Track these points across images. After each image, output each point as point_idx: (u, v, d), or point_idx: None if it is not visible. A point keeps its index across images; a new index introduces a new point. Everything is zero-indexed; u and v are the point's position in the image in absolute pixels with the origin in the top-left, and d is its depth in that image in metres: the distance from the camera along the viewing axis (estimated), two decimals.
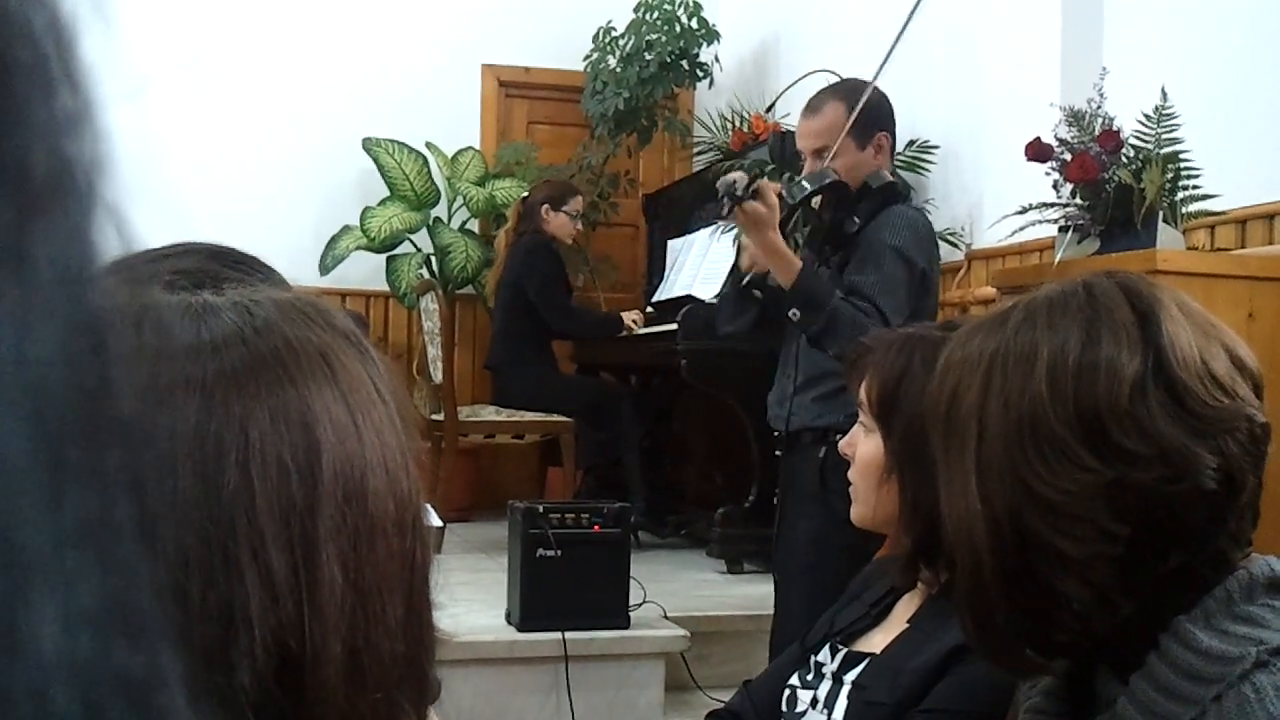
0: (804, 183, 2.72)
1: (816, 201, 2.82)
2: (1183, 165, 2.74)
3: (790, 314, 2.62)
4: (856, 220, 2.75)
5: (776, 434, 2.94)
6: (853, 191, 2.77)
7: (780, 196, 2.63)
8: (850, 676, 1.55)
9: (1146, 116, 2.78)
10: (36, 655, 0.23)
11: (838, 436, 2.66)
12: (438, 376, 4.95)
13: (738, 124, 5.24)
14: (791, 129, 3.72)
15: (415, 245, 5.87)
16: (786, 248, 2.63)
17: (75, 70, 0.25)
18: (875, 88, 2.84)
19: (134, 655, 0.25)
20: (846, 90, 2.87)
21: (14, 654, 0.23)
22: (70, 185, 0.24)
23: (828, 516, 2.61)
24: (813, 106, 2.89)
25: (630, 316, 4.98)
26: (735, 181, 2.61)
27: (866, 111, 2.78)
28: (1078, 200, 2.80)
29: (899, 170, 4.55)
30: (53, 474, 0.24)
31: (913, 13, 2.79)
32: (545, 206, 4.98)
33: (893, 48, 2.77)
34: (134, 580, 0.25)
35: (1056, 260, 2.85)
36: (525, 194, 5.24)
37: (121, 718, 0.24)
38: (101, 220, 0.25)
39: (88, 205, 0.25)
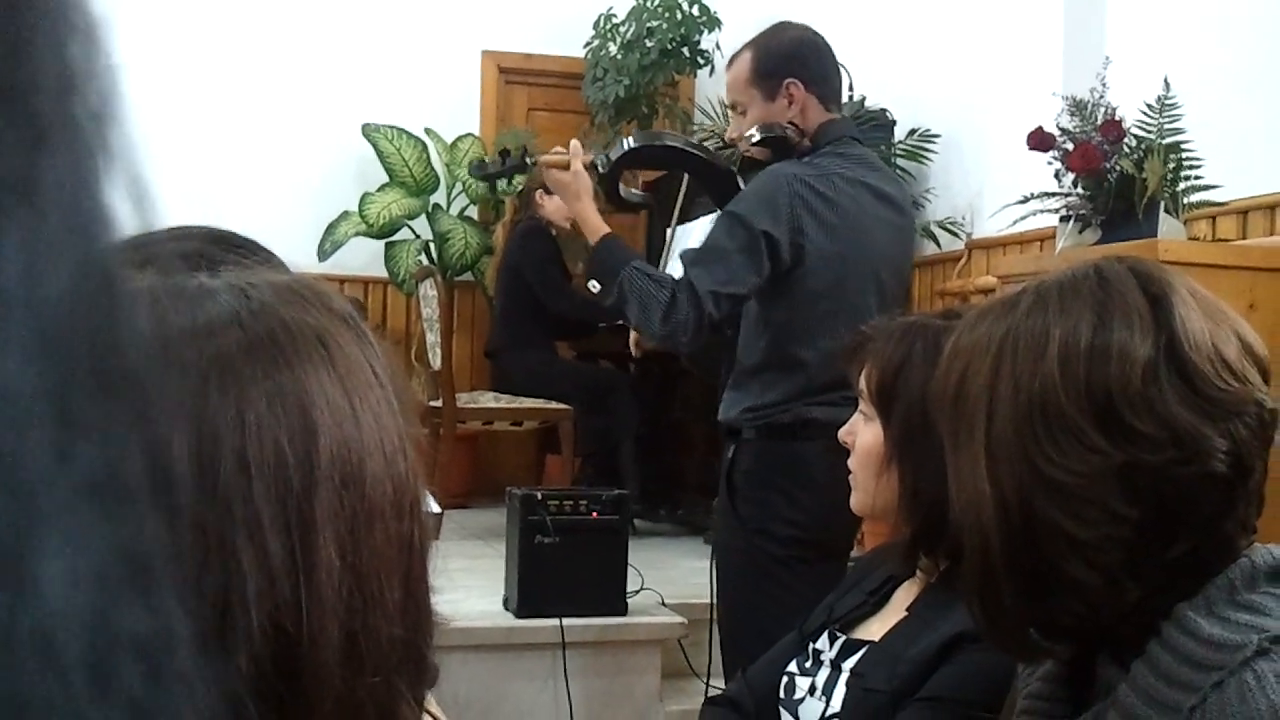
0: (625, 143, 2.53)
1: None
2: (1185, 155, 2.73)
3: (590, 285, 2.45)
4: (739, 181, 2.49)
5: None
6: (712, 156, 2.52)
7: (592, 166, 2.45)
8: (848, 664, 1.55)
9: (1149, 106, 2.77)
10: (42, 599, 0.23)
11: (747, 434, 2.42)
12: (436, 363, 4.94)
13: None
14: None
15: (414, 231, 5.86)
16: (596, 218, 2.43)
17: (88, 19, 0.25)
18: (792, 30, 2.57)
19: (143, 614, 0.24)
20: (761, 36, 2.56)
21: (20, 593, 0.22)
22: (80, 121, 0.24)
23: (743, 528, 2.39)
24: (731, 58, 2.62)
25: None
26: (485, 162, 2.54)
27: (769, 58, 2.48)
28: (1079, 190, 2.79)
29: (901, 155, 4.57)
30: (61, 415, 0.23)
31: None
32: (539, 191, 4.99)
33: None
34: (143, 538, 0.25)
35: (1058, 250, 2.85)
36: (520, 188, 5.24)
37: (130, 675, 0.24)
38: (113, 166, 0.25)
39: (97, 145, 0.25)
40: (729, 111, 2.55)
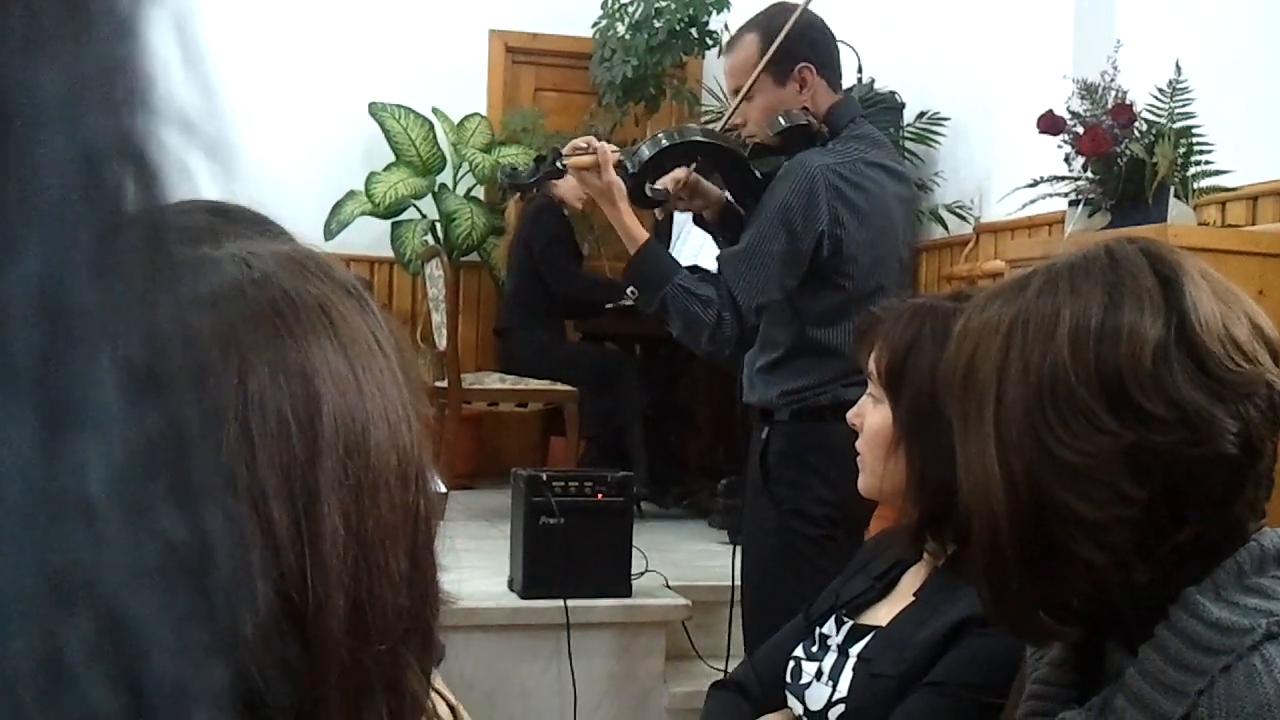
0: (655, 143, 2.44)
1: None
2: (1195, 140, 2.72)
3: (629, 291, 2.42)
4: (758, 175, 2.44)
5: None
6: (742, 144, 2.46)
7: (621, 165, 2.36)
8: (856, 649, 1.55)
9: (1160, 90, 2.76)
10: (82, 473, 0.22)
11: (780, 416, 2.44)
12: (442, 344, 4.94)
13: None
14: None
15: (420, 211, 5.85)
16: (634, 222, 2.37)
17: None
18: (799, 12, 2.48)
19: (181, 516, 0.24)
20: (765, 18, 2.50)
21: (59, 461, 0.22)
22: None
23: (776, 509, 2.42)
24: (731, 41, 2.57)
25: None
26: (517, 170, 2.48)
27: (782, 42, 2.42)
28: (1089, 174, 2.78)
29: (909, 138, 4.55)
30: (107, 272, 0.23)
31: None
32: None
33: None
34: (181, 434, 0.24)
35: (1067, 234, 2.83)
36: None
37: (169, 574, 0.23)
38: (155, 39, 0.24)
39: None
40: (733, 96, 2.51)
